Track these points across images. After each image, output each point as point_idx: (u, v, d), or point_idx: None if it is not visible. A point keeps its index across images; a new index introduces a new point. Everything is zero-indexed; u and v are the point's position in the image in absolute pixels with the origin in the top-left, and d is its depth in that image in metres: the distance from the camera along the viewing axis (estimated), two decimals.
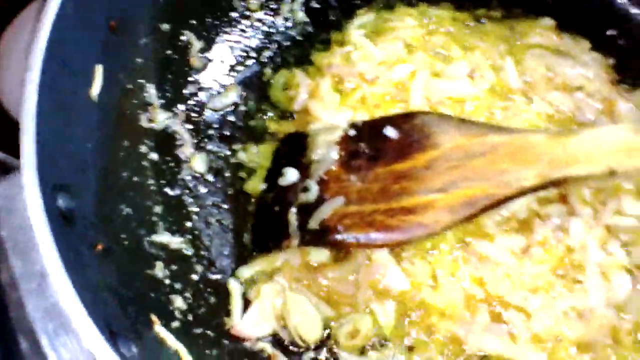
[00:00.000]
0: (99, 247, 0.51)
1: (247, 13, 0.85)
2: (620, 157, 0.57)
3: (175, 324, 0.57)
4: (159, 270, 0.61)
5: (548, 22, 0.88)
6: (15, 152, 0.95)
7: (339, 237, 0.66)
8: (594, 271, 0.67)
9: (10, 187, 0.45)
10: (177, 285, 0.62)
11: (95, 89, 0.60)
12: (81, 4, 0.56)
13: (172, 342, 0.51)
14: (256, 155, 0.78)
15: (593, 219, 0.69)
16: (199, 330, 0.59)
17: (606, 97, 0.79)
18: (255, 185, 0.76)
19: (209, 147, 0.76)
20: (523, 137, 0.62)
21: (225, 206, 0.74)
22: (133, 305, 0.51)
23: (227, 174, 0.76)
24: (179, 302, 0.60)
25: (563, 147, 0.59)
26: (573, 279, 0.68)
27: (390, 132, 0.71)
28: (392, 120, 0.72)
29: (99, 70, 0.61)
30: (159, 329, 0.51)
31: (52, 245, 0.40)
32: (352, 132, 0.74)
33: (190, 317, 0.60)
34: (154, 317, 0.52)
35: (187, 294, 0.62)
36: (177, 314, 0.59)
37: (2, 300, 0.38)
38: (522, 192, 0.60)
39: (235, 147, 0.78)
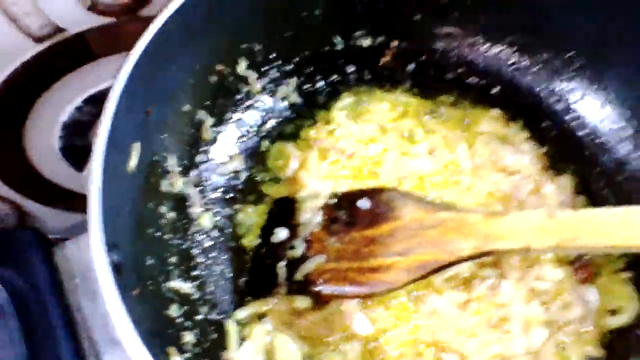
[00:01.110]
0: (136, 291, 0.66)
1: (250, 95, 1.02)
2: (535, 237, 0.75)
3: (187, 355, 0.72)
4: (174, 311, 0.76)
5: (496, 112, 1.08)
6: (37, 198, 1.09)
7: (319, 288, 0.82)
8: (518, 324, 0.84)
9: (77, 244, 0.60)
10: (187, 324, 0.77)
11: (133, 163, 0.75)
12: (130, 99, 0.72)
13: None
14: (253, 215, 0.94)
15: (519, 281, 0.87)
16: None
17: (537, 180, 0.97)
18: (251, 240, 0.91)
19: (215, 207, 0.92)
20: (464, 215, 0.80)
21: (226, 257, 0.89)
22: (157, 338, 0.66)
23: (228, 231, 0.91)
24: (189, 337, 0.75)
25: (493, 225, 0.77)
26: (501, 329, 0.85)
27: (363, 203, 0.88)
28: (365, 193, 0.89)
29: (137, 147, 0.76)
30: (175, 358, 0.65)
31: (112, 291, 0.56)
32: (332, 201, 0.91)
33: (198, 350, 0.74)
34: (170, 349, 0.67)
35: (195, 331, 0.77)
36: (188, 347, 0.73)
37: (76, 333, 0.53)
38: (461, 260, 0.78)
39: (236, 207, 0.93)
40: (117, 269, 0.62)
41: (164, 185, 0.85)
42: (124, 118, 0.72)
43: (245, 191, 0.96)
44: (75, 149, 1.16)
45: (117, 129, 0.70)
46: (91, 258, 0.58)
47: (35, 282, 0.55)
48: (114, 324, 0.55)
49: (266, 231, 0.91)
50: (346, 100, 1.07)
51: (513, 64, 1.11)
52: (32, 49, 0.91)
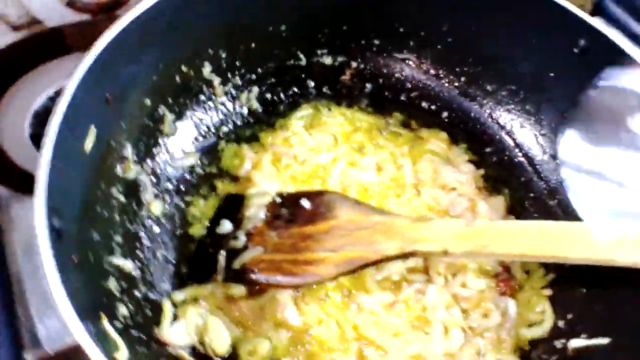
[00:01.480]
0: (74, 258, 0.71)
1: (212, 97, 1.08)
2: (452, 242, 0.81)
3: (118, 325, 0.76)
4: (112, 284, 0.79)
5: (444, 135, 1.16)
6: (8, 183, 1.13)
7: (254, 276, 0.87)
8: (439, 326, 0.90)
9: (22, 204, 0.65)
10: (124, 298, 0.81)
11: (88, 145, 0.81)
12: (89, 83, 0.79)
13: (113, 334, 0.70)
14: (202, 208, 0.99)
15: (443, 287, 0.93)
16: (135, 332, 0.78)
17: (472, 198, 1.04)
18: (198, 230, 0.96)
19: (166, 196, 0.98)
20: (393, 219, 0.87)
21: (171, 244, 0.94)
22: (90, 304, 0.70)
23: (177, 219, 0.97)
24: (123, 310, 0.79)
25: (417, 229, 0.84)
26: (423, 330, 0.90)
27: (305, 203, 0.95)
28: (308, 194, 0.96)
29: (92, 130, 0.82)
30: (105, 323, 0.70)
31: (47, 249, 0.61)
32: (278, 200, 0.97)
33: (130, 322, 0.78)
34: (102, 314, 0.71)
35: (130, 306, 0.81)
36: (120, 318, 0.77)
37: (10, 285, 0.58)
38: (385, 259, 0.84)
39: (187, 199, 0.99)
40: (57, 233, 0.67)
41: (118, 170, 0.90)
42: (83, 100, 0.78)
43: (198, 185, 1.01)
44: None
45: (75, 108, 0.76)
46: (31, 217, 0.63)
47: None
48: (47, 280, 0.59)
49: (213, 223, 0.96)
50: (305, 111, 1.14)
51: (462, 92, 1.19)
52: (8, 37, 0.97)
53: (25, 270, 0.59)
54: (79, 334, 0.57)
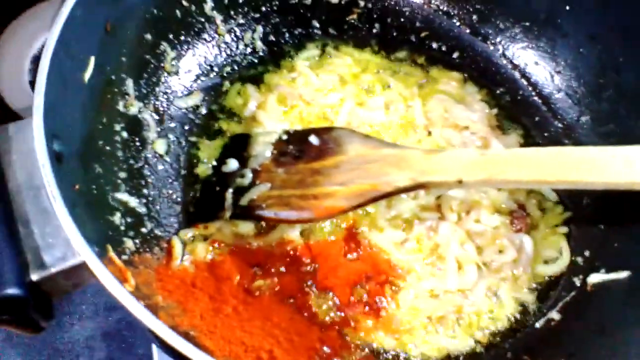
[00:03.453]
0: (77, 187, 0.68)
1: (215, 36, 1.05)
2: (466, 171, 0.78)
3: (125, 258, 0.74)
4: (117, 218, 0.78)
5: (455, 75, 1.12)
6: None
7: (262, 212, 0.85)
8: (452, 262, 0.88)
9: (21, 127, 0.63)
10: (130, 233, 0.79)
11: (87, 74, 0.78)
12: (86, 9, 0.75)
13: (120, 264, 0.68)
14: (208, 147, 0.96)
15: (457, 224, 0.91)
16: (141, 267, 0.76)
17: (484, 137, 1.01)
18: (204, 170, 0.93)
19: (170, 135, 0.95)
20: (404, 151, 0.84)
21: (177, 183, 0.92)
22: (95, 235, 0.68)
23: (182, 158, 0.94)
24: (129, 244, 0.77)
25: (429, 160, 0.81)
26: (437, 267, 0.88)
27: (313, 139, 0.91)
28: (316, 131, 0.93)
29: (91, 60, 0.79)
30: (111, 253, 0.68)
31: (48, 166, 0.58)
32: (284, 137, 0.94)
33: (136, 257, 0.77)
34: (109, 246, 0.69)
35: (137, 240, 0.79)
36: (127, 251, 0.76)
37: (9, 201, 0.56)
38: (398, 190, 0.81)
39: (191, 139, 0.96)
40: (57, 156, 0.64)
41: (120, 106, 0.87)
42: (80, 26, 0.74)
43: (203, 125, 0.98)
44: None
45: (72, 35, 0.72)
46: (31, 139, 0.60)
47: None
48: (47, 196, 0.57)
49: (219, 162, 0.94)
50: (310, 51, 1.11)
51: (474, 31, 1.15)
52: None
53: (26, 191, 0.57)
54: (84, 252, 0.54)
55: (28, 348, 1.05)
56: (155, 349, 0.93)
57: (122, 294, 0.55)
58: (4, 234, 0.53)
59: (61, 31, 0.71)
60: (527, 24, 1.11)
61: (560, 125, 1.06)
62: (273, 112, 1.01)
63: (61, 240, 0.56)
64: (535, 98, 1.10)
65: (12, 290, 0.51)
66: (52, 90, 0.66)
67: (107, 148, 0.83)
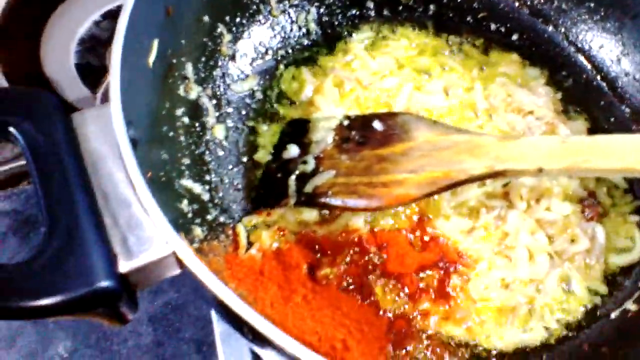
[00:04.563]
0: (149, 174, 0.67)
1: (270, 17, 1.02)
2: (547, 159, 0.75)
3: (195, 246, 0.73)
4: (185, 206, 0.76)
5: (515, 57, 1.08)
6: None
7: (328, 200, 0.82)
8: (523, 251, 0.85)
9: (97, 116, 0.61)
10: (197, 220, 0.77)
11: (151, 58, 0.75)
12: None
13: (194, 251, 0.66)
14: (266, 132, 0.94)
15: (526, 212, 0.88)
16: (210, 255, 0.75)
17: (550, 122, 0.97)
18: (263, 156, 0.91)
19: (228, 120, 0.92)
20: (478, 137, 0.80)
21: (237, 169, 0.90)
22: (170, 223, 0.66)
23: (241, 144, 0.92)
24: (198, 232, 0.75)
25: (506, 148, 0.77)
26: (506, 256, 0.85)
27: (377, 125, 0.88)
28: (380, 116, 0.90)
29: (155, 44, 0.76)
30: (185, 241, 0.66)
31: (131, 156, 0.56)
32: (346, 122, 0.91)
33: (205, 245, 0.75)
34: (182, 235, 0.67)
35: (204, 228, 0.77)
36: (196, 240, 0.74)
37: (93, 192, 0.54)
38: (472, 179, 0.78)
39: (249, 124, 0.94)
40: (133, 142, 0.62)
41: (181, 90, 0.85)
42: (145, 11, 0.72)
43: (259, 110, 0.96)
44: (91, 68, 1.16)
45: (138, 19, 0.70)
46: (108, 126, 0.58)
47: (55, 139, 0.55)
48: (132, 187, 0.55)
49: (278, 148, 0.91)
50: (365, 33, 1.07)
51: (534, 12, 1.11)
52: None
53: (108, 182, 0.55)
54: (173, 239, 0.53)
55: (77, 331, 1.05)
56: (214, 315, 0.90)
57: (213, 281, 0.53)
58: (92, 226, 0.51)
59: (130, 14, 0.68)
60: (592, 4, 1.06)
61: (627, 110, 1.02)
62: (330, 96, 0.98)
63: (146, 231, 0.54)
64: (601, 82, 1.05)
65: (105, 283, 0.49)
66: (124, 76, 0.64)
67: (171, 134, 0.81)
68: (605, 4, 1.05)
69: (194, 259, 0.52)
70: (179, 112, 0.84)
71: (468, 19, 1.11)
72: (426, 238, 0.85)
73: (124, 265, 0.53)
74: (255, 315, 0.49)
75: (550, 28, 1.10)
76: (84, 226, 0.51)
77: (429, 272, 0.83)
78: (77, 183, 0.54)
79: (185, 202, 0.76)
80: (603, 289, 0.85)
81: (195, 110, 0.88)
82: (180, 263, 0.55)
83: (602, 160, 0.73)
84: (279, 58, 1.02)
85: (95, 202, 0.54)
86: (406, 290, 0.81)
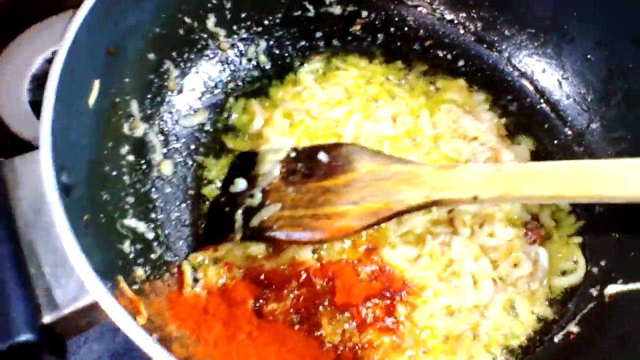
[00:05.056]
0: (85, 217, 0.67)
1: (219, 52, 1.03)
2: (481, 188, 0.77)
3: (135, 287, 0.72)
4: (127, 246, 0.76)
5: (462, 83, 1.10)
6: (5, 154, 1.09)
7: (273, 234, 0.83)
8: (467, 278, 0.86)
9: (25, 163, 0.61)
10: (140, 260, 0.77)
11: (92, 99, 0.76)
12: (89, 33, 0.73)
13: (132, 296, 0.67)
14: (214, 167, 0.94)
15: (470, 239, 0.89)
16: (152, 296, 0.75)
17: (494, 147, 0.99)
18: (212, 190, 0.92)
19: (176, 156, 0.93)
20: (416, 167, 0.82)
21: (184, 205, 0.90)
22: (106, 266, 0.67)
23: (189, 179, 0.92)
24: (140, 272, 0.75)
25: (442, 177, 0.79)
26: (451, 283, 0.87)
27: (322, 156, 0.90)
28: (325, 148, 0.91)
29: (96, 84, 0.77)
30: (123, 284, 0.66)
31: (57, 204, 0.57)
32: (293, 154, 0.92)
33: (147, 286, 0.75)
34: (120, 278, 0.68)
35: (147, 268, 0.78)
36: (137, 280, 0.74)
37: (18, 241, 0.54)
38: (411, 209, 0.79)
39: (197, 158, 0.94)
40: (66, 189, 0.63)
41: (125, 128, 0.86)
42: (84, 51, 0.73)
43: (209, 144, 0.97)
44: None
45: (76, 61, 0.71)
46: (39, 175, 0.59)
47: None
48: (59, 238, 0.56)
49: (227, 181, 0.92)
50: (315, 64, 1.09)
51: (479, 39, 1.14)
52: None
53: (35, 230, 0.55)
54: (97, 291, 0.53)
55: None
56: None
57: (136, 333, 0.53)
58: (14, 277, 0.51)
59: (65, 57, 0.69)
60: (533, 30, 1.09)
61: (570, 132, 1.05)
62: (279, 128, 1.00)
63: (73, 279, 0.55)
64: (544, 105, 1.08)
65: (24, 337, 0.49)
66: (58, 119, 0.65)
67: (114, 173, 0.81)
68: (544, 30, 1.08)
69: (116, 309, 0.52)
70: (124, 150, 0.84)
71: (415, 47, 1.13)
72: (373, 268, 0.86)
73: (48, 316, 0.53)
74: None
75: (495, 54, 1.13)
76: (6, 278, 0.51)
77: (375, 301, 0.84)
78: (1, 233, 0.53)
79: (127, 242, 0.76)
80: (547, 313, 0.87)
81: (141, 147, 0.88)
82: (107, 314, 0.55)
83: (534, 187, 0.75)
84: (229, 91, 1.03)
85: (20, 251, 0.54)
86: (352, 322, 0.82)
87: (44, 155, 0.60)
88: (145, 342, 0.52)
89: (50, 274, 0.54)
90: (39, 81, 1.14)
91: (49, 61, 1.11)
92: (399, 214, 0.80)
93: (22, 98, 1.14)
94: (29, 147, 1.19)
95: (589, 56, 1.04)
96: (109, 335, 1.06)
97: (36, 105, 1.16)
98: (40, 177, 0.59)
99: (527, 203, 0.90)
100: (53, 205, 0.56)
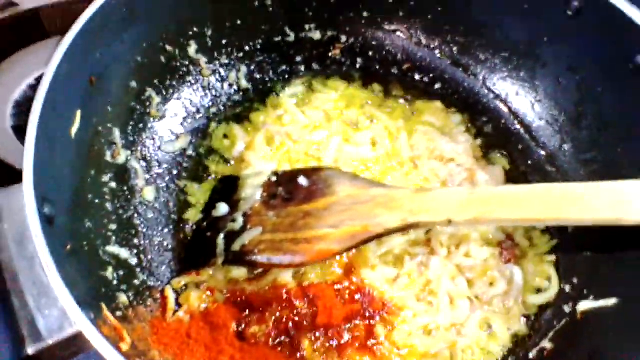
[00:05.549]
0: (68, 246, 0.68)
1: (200, 78, 1.05)
2: (455, 211, 0.80)
3: (119, 314, 0.74)
4: (110, 273, 0.78)
5: (439, 105, 1.14)
6: None
7: (254, 257, 0.85)
8: (444, 297, 0.89)
9: (8, 195, 0.62)
10: (123, 287, 0.79)
11: (74, 129, 0.78)
12: (71, 64, 0.75)
13: (116, 323, 0.68)
14: (197, 191, 0.96)
15: (447, 258, 0.92)
16: (135, 322, 0.76)
17: (470, 168, 1.02)
18: (194, 214, 0.94)
19: (159, 181, 0.95)
20: (394, 191, 0.85)
21: (167, 230, 0.92)
22: (89, 294, 0.68)
23: (171, 204, 0.94)
24: (123, 299, 0.77)
25: (418, 201, 0.82)
26: (429, 302, 0.89)
27: (302, 180, 0.92)
28: (305, 172, 0.94)
29: (78, 114, 0.79)
30: (107, 313, 0.67)
31: (41, 236, 0.58)
32: (274, 178, 0.95)
33: (130, 312, 0.77)
34: (103, 305, 0.69)
35: (130, 294, 0.79)
36: (121, 307, 0.75)
37: (2, 273, 0.55)
38: (389, 232, 0.82)
39: (180, 183, 0.96)
40: (49, 220, 0.64)
41: (108, 156, 0.87)
42: (66, 83, 0.75)
43: (191, 168, 0.99)
44: None
45: (58, 93, 0.73)
46: (21, 207, 0.60)
47: None
48: (43, 269, 0.57)
49: (209, 206, 0.94)
50: (295, 88, 1.12)
51: (455, 62, 1.17)
52: None
53: (19, 262, 0.56)
54: (80, 322, 0.54)
55: None
56: None
57: None
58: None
59: (47, 90, 0.71)
60: (507, 54, 1.13)
61: (543, 153, 1.08)
62: (261, 152, 1.02)
63: (57, 310, 0.56)
64: (518, 127, 1.12)
65: None
66: (40, 152, 0.66)
67: (97, 201, 0.82)
68: (518, 54, 1.12)
69: (100, 340, 0.54)
70: (106, 178, 0.86)
71: (393, 70, 1.17)
72: (353, 288, 0.88)
73: (32, 347, 0.54)
74: None
75: (470, 77, 1.17)
76: None
77: (356, 322, 0.86)
78: None
79: (110, 269, 0.78)
80: (522, 329, 0.89)
81: (124, 174, 0.90)
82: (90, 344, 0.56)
83: (506, 211, 0.78)
84: (211, 116, 1.05)
85: (3, 282, 0.55)
86: (333, 342, 0.83)
87: (27, 188, 0.61)
88: None
89: (33, 305, 0.55)
90: (21, 107, 1.15)
91: (32, 87, 1.13)
92: (377, 237, 0.83)
93: (5, 124, 1.16)
94: (13, 172, 1.20)
95: (561, 80, 1.07)
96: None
97: (19, 130, 1.18)
98: (23, 209, 0.61)
99: (501, 225, 0.93)
100: (36, 237, 0.58)
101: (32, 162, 0.64)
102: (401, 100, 1.13)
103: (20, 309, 0.55)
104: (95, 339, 0.54)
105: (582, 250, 0.94)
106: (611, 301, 0.85)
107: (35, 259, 0.58)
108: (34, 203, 0.61)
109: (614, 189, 0.74)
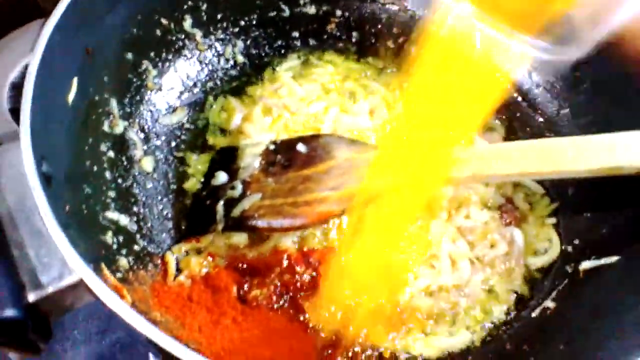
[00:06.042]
0: (67, 208, 0.68)
1: (196, 52, 1.05)
2: (453, 168, 0.80)
3: (119, 275, 0.73)
4: (109, 237, 0.77)
5: None
6: None
7: (254, 222, 0.85)
8: (446, 259, 0.89)
9: (5, 151, 0.62)
10: (123, 251, 0.79)
11: (71, 96, 0.78)
12: (66, 33, 0.75)
13: (116, 282, 0.68)
14: (196, 162, 0.96)
15: (447, 221, 0.92)
16: (136, 284, 0.76)
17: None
18: (193, 185, 0.94)
19: (157, 152, 0.95)
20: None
21: (166, 199, 0.92)
22: (89, 255, 0.68)
23: (170, 175, 0.94)
24: (123, 262, 0.76)
25: None
26: (430, 264, 0.89)
27: (301, 147, 0.92)
28: (303, 139, 0.94)
29: (74, 82, 0.79)
30: (106, 272, 0.67)
31: (39, 189, 0.58)
32: (272, 147, 0.95)
33: (130, 275, 0.76)
34: (103, 265, 0.69)
35: (130, 258, 0.79)
36: (121, 269, 0.75)
37: (1, 224, 0.56)
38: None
39: (178, 154, 0.96)
40: (47, 178, 0.64)
41: (105, 126, 0.87)
42: (61, 51, 0.74)
43: (189, 140, 0.99)
44: None
45: (54, 58, 0.72)
46: (21, 162, 0.60)
47: None
48: (42, 218, 0.57)
49: (208, 176, 0.94)
50: (292, 61, 1.12)
51: None
52: None
53: (17, 214, 0.56)
54: (80, 269, 0.54)
55: None
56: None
57: (121, 308, 0.54)
58: None
59: (42, 55, 0.71)
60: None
61: (541, 119, 1.08)
62: (259, 124, 1.02)
63: (57, 260, 0.56)
64: (515, 94, 1.12)
65: (9, 313, 0.50)
66: (37, 112, 0.66)
67: (95, 168, 0.82)
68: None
69: (100, 286, 0.54)
70: (104, 147, 0.86)
71: (389, 43, 1.17)
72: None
73: (33, 295, 0.54)
74: (156, 332, 0.51)
75: None
76: None
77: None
78: None
79: (109, 233, 0.77)
80: (524, 290, 0.89)
81: (122, 144, 0.90)
82: (92, 292, 0.56)
83: (502, 166, 0.78)
84: (208, 90, 1.05)
85: (2, 235, 0.55)
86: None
87: (25, 143, 0.61)
88: (130, 316, 0.54)
89: (33, 255, 0.55)
90: (18, 89, 1.15)
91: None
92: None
93: (2, 107, 1.16)
94: None
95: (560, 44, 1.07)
96: (95, 339, 1.07)
97: (17, 113, 1.18)
98: (21, 163, 0.61)
99: (498, 182, 0.93)
100: (34, 190, 0.58)
101: (30, 119, 0.64)
102: (398, 72, 1.13)
103: (21, 258, 0.54)
104: (96, 286, 0.54)
105: (582, 211, 0.94)
106: (613, 259, 0.85)
107: (35, 212, 0.58)
108: (31, 156, 0.61)
109: (610, 138, 0.74)
